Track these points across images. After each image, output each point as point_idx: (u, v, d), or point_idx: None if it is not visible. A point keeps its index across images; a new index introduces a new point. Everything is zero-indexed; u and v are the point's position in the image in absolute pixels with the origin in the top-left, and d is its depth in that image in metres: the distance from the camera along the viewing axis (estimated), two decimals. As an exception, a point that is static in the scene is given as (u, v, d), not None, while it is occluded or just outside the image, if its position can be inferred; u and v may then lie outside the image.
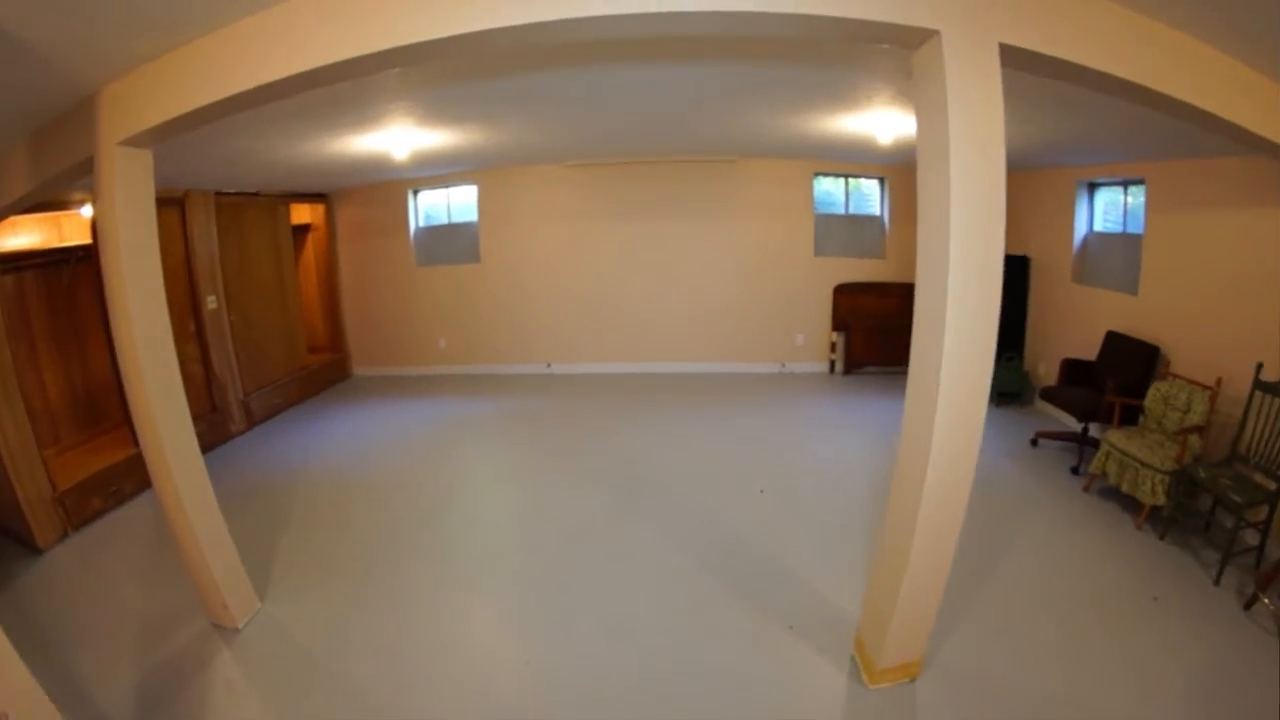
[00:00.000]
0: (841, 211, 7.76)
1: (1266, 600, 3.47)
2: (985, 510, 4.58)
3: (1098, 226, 6.26)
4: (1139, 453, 4.68)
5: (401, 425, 6.59)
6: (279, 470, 5.61)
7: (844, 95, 4.08)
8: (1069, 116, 3.96)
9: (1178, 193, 5.25)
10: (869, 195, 7.76)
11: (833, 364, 7.82)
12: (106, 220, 2.82)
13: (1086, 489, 5.14)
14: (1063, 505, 4.91)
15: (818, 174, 7.52)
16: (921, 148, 2.38)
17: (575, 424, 6.42)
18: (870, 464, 5.42)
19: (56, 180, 3.11)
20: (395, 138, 4.85)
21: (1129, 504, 4.82)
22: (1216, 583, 3.76)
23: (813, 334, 7.84)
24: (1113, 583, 3.82)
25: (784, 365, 7.94)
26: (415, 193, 8.08)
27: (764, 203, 7.54)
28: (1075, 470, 5.46)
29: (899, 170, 7.41)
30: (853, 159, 7.02)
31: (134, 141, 2.72)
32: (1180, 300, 5.30)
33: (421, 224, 8.26)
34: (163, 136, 2.75)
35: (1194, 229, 5.08)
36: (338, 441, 6.23)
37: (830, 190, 7.71)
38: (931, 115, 2.27)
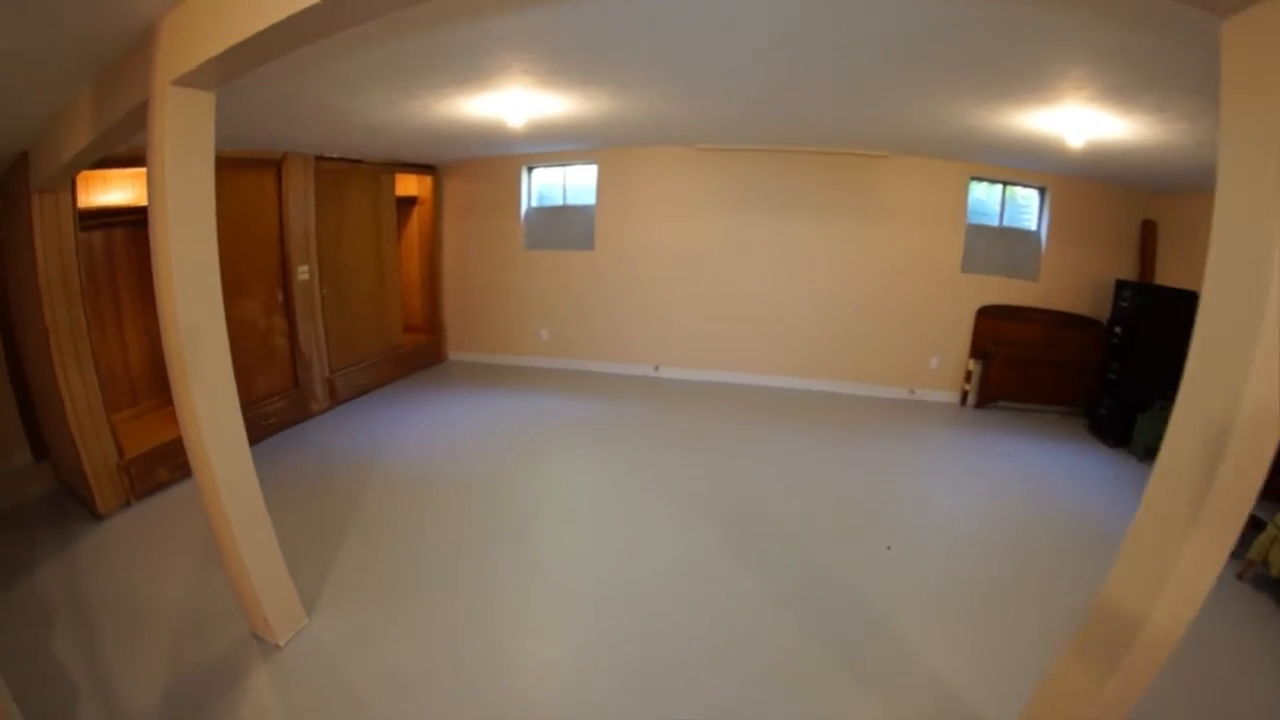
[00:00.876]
0: (994, 223, 6.84)
1: None
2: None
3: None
4: None
5: (492, 421, 6.08)
6: (354, 457, 5.17)
7: (1043, 83, 3.30)
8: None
9: None
10: (1024, 206, 6.82)
11: (965, 395, 6.96)
12: (155, 173, 2.37)
13: (1240, 576, 4.21)
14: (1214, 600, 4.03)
15: (974, 178, 6.63)
16: (1230, 145, 1.66)
17: (681, 440, 5.75)
18: (1009, 521, 4.60)
19: (117, 130, 2.69)
20: (510, 102, 4.30)
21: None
22: None
23: (948, 359, 7.00)
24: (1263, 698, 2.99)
25: (913, 391, 7.12)
26: (530, 170, 7.56)
27: (911, 207, 6.74)
28: (1233, 554, 4.46)
29: (1064, 180, 6.51)
30: (1019, 163, 6.15)
31: (191, 80, 2.25)
32: None
33: (534, 204, 7.74)
34: (226, 74, 2.27)
35: None
36: (422, 431, 5.77)
37: (982, 199, 6.81)
38: (1259, 98, 1.54)
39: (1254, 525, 4.58)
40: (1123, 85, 3.15)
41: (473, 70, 3.51)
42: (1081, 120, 3.97)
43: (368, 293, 6.80)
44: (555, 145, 6.70)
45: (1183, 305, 5.75)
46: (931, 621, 3.39)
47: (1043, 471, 5.47)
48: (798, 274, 7.05)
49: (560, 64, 3.53)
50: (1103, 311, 6.53)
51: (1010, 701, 2.70)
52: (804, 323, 7.15)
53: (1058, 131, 4.29)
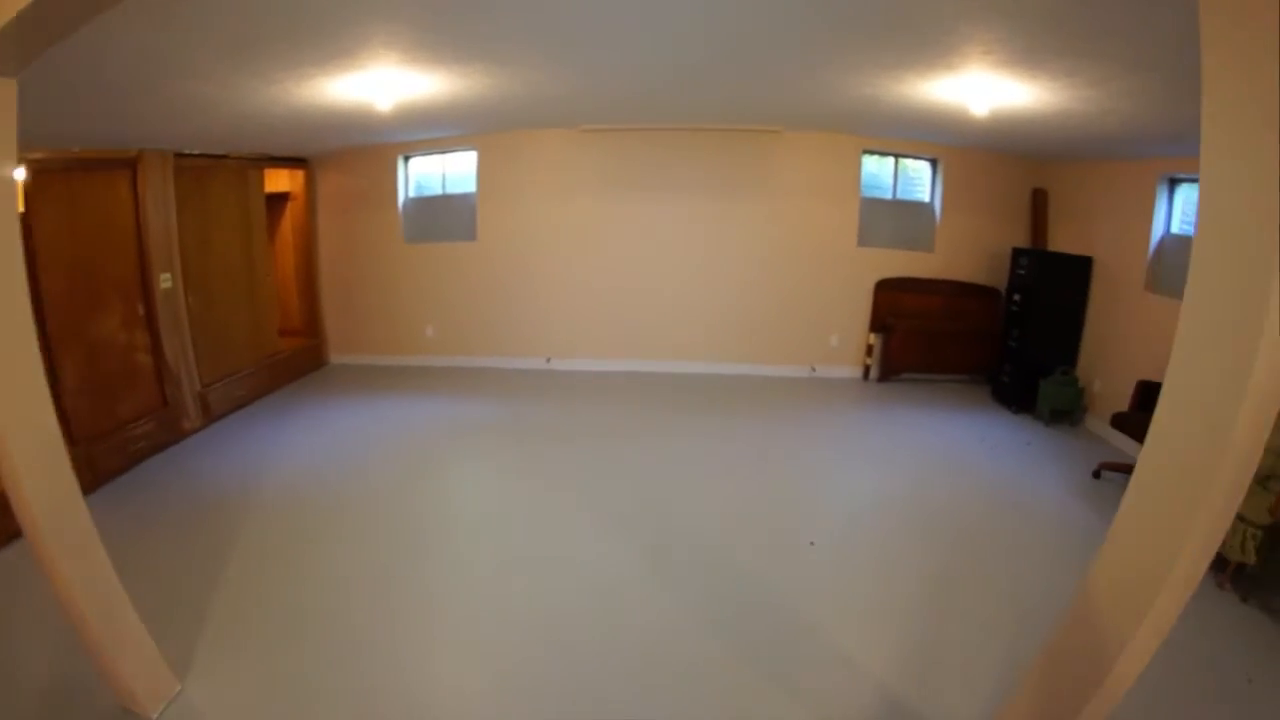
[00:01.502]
0: (889, 196, 6.87)
1: None
2: (1051, 558, 3.90)
3: (1174, 229, 5.41)
4: (1249, 512, 3.90)
5: (379, 430, 5.66)
6: (231, 482, 4.69)
7: (951, 47, 3.18)
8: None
9: None
10: (916, 179, 6.88)
11: (867, 369, 6.98)
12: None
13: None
14: None
15: (866, 152, 6.62)
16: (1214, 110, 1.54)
17: (579, 436, 5.50)
18: (929, 499, 4.56)
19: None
20: (377, 82, 3.89)
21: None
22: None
23: (849, 335, 6.98)
24: (1195, 654, 3.06)
25: (815, 369, 7.09)
26: (406, 159, 7.10)
27: (805, 183, 6.62)
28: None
29: (955, 151, 6.53)
30: (912, 135, 6.12)
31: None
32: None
33: (412, 195, 7.29)
34: (20, 53, 1.88)
35: None
36: (304, 447, 5.32)
37: (875, 173, 6.82)
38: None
39: None
40: (1033, 50, 3.06)
41: (334, 46, 3.13)
42: (987, 87, 3.81)
43: (239, 298, 6.27)
44: (431, 131, 6.28)
45: (1078, 270, 5.94)
46: (865, 622, 3.22)
47: (954, 442, 5.51)
48: (692, 256, 6.85)
49: (429, 37, 3.19)
50: (1000, 280, 6.62)
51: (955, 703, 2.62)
52: (701, 306, 6.97)
53: (961, 100, 4.18)
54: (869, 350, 6.92)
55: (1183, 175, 5.18)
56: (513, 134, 6.61)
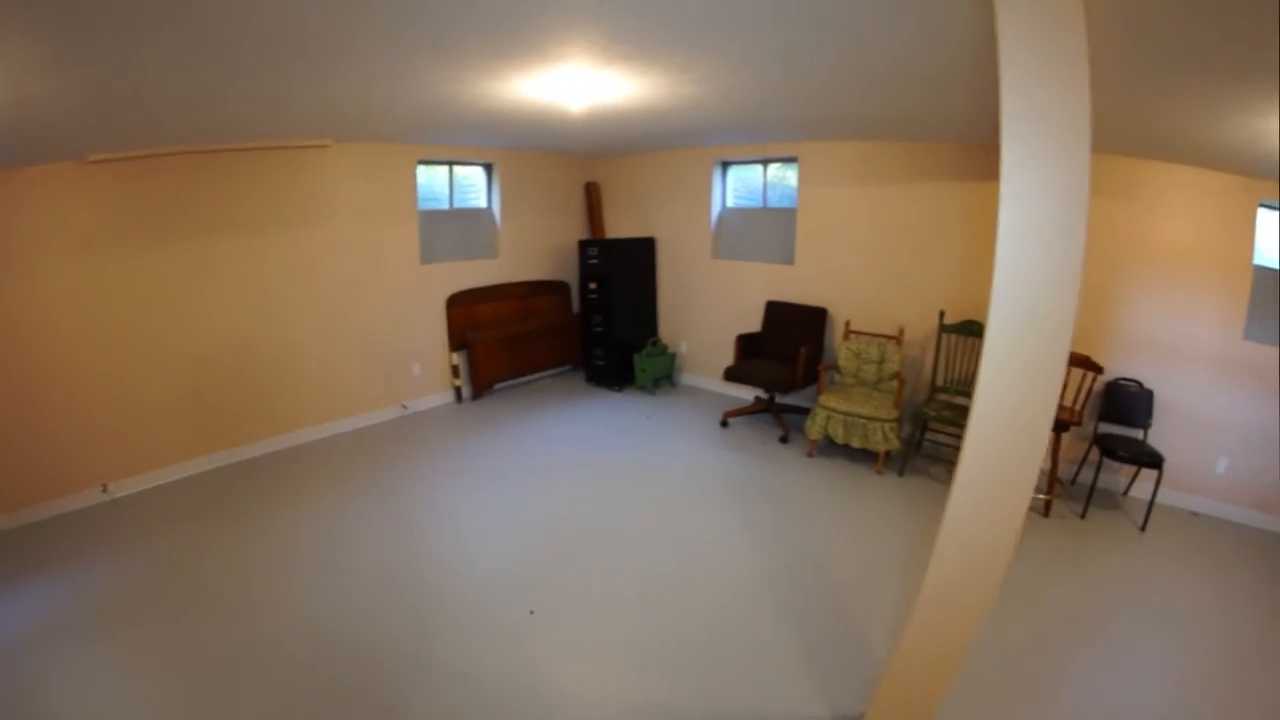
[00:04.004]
0: (446, 206, 6.46)
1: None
2: (744, 504, 4.46)
3: (730, 203, 6.41)
4: (861, 409, 4.95)
5: None
6: None
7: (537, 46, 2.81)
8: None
9: (826, 169, 5.71)
10: (471, 185, 6.59)
11: (459, 390, 6.53)
12: None
13: (811, 454, 5.23)
14: (803, 476, 4.98)
15: (422, 161, 6.06)
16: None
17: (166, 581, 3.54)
18: (583, 499, 4.52)
19: None
20: None
21: (856, 455, 5.25)
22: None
23: (431, 360, 6.34)
24: (895, 528, 4.09)
25: (406, 406, 6.28)
26: None
27: (360, 202, 5.50)
28: (784, 440, 5.52)
29: (510, 154, 6.42)
30: (467, 140, 5.82)
31: None
32: (838, 263, 5.75)
33: None
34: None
35: (845, 203, 5.59)
36: None
37: (427, 184, 6.29)
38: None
39: (787, 411, 5.57)
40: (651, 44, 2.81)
41: None
42: (589, 83, 3.53)
43: None
44: None
45: (644, 251, 6.49)
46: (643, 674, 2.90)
47: (581, 432, 5.65)
48: (237, 309, 5.09)
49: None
50: (570, 273, 6.84)
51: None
52: (256, 368, 5.24)
53: (559, 100, 3.86)
54: (455, 371, 6.48)
55: (733, 159, 6.08)
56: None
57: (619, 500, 4.48)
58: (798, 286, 5.97)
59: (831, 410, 5.08)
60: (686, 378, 6.74)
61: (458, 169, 6.37)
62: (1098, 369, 4.44)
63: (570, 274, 6.91)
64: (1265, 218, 4.27)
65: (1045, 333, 1.80)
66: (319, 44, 2.57)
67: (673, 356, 6.64)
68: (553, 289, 6.94)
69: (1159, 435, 4.61)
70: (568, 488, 4.66)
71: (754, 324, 6.14)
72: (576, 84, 3.51)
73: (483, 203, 6.61)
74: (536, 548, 3.89)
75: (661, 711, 2.65)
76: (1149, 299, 4.63)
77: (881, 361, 5.33)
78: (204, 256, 4.86)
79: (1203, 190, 4.36)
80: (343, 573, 3.59)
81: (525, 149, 6.36)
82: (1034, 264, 1.77)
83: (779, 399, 5.86)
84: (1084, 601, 3.47)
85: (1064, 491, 4.79)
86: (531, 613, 3.27)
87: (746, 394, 6.27)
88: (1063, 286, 1.75)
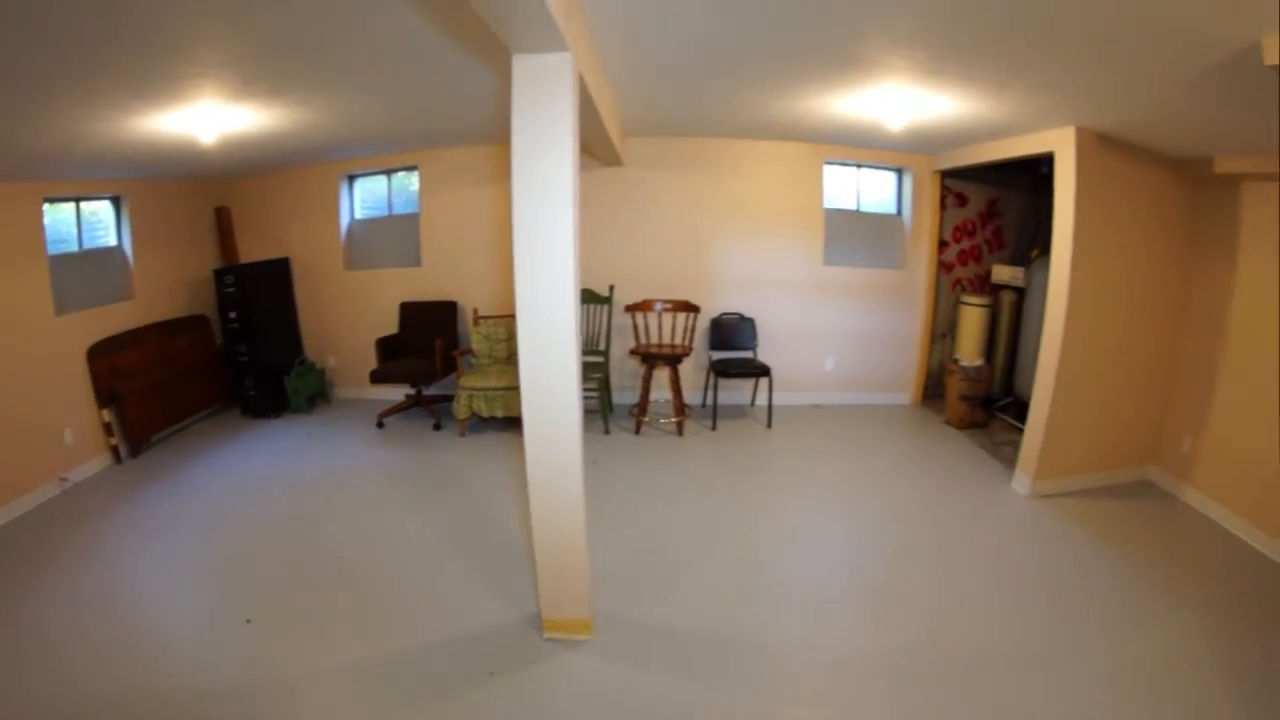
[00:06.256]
0: (76, 248, 5.90)
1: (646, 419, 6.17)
2: (411, 490, 5.04)
3: (359, 214, 6.75)
4: (498, 382, 5.69)
5: None
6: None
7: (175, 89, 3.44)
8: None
9: (444, 174, 6.27)
10: (100, 222, 6.14)
11: (116, 450, 6.00)
12: None
13: (463, 434, 5.87)
14: (458, 454, 5.68)
15: (48, 199, 5.46)
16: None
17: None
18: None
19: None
20: None
21: (504, 424, 6.18)
22: (637, 432, 6.03)
23: (82, 421, 5.67)
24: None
25: (66, 479, 5.58)
26: None
27: None
28: (437, 426, 6.09)
29: (138, 185, 6.20)
30: (111, 174, 5.80)
31: None
32: (461, 258, 6.38)
33: None
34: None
35: (463, 203, 6.23)
36: None
37: (52, 224, 5.60)
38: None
39: (434, 400, 6.10)
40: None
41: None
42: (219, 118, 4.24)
43: None
44: None
45: (279, 271, 6.66)
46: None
47: (249, 464, 5.68)
48: None
49: None
50: (209, 305, 6.69)
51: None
52: None
53: (191, 129, 4.34)
54: (109, 428, 6.03)
55: (359, 171, 6.42)
56: None
57: (300, 510, 4.75)
58: (428, 284, 6.55)
59: (473, 389, 5.73)
60: (340, 390, 7.04)
61: (84, 205, 6.01)
62: (695, 309, 5.65)
63: (209, 306, 6.79)
64: (829, 172, 6.59)
65: (557, 283, 2.77)
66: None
67: (322, 372, 6.88)
68: (193, 324, 6.78)
69: (772, 353, 6.25)
70: (247, 519, 4.66)
71: (392, 326, 6.60)
72: (209, 118, 4.12)
73: (113, 240, 6.30)
74: (233, 589, 3.83)
75: (392, 656, 3.21)
76: (750, 248, 6.01)
77: (510, 339, 6.05)
78: None
79: (782, 156, 6.26)
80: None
81: (154, 177, 6.28)
82: (543, 239, 2.75)
83: (426, 391, 6.41)
84: (723, 488, 5.03)
85: (693, 414, 5.94)
86: (249, 621, 3.46)
87: (397, 394, 6.79)
88: (565, 260, 2.76)
